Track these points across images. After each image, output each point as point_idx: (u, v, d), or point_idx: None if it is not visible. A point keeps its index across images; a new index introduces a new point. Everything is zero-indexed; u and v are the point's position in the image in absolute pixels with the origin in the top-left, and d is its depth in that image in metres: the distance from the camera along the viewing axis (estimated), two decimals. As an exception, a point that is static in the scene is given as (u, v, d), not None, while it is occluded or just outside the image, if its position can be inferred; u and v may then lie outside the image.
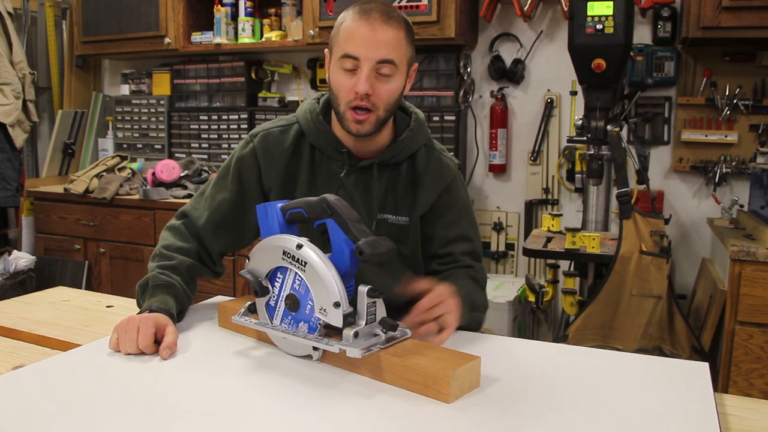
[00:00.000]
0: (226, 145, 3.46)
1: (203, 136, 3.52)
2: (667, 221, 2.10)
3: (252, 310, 1.17)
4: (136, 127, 3.70)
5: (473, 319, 1.34)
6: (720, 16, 2.28)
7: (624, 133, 2.36)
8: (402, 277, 1.43)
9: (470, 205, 1.50)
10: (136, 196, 3.15)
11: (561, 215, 2.61)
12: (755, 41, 2.43)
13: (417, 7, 2.76)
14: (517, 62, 2.95)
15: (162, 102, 3.60)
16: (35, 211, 3.46)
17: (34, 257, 3.31)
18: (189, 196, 3.10)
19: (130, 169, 3.36)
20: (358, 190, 1.38)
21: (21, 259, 3.23)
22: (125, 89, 3.76)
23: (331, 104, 1.33)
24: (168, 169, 3.18)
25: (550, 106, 2.93)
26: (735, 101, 2.61)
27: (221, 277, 1.47)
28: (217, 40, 3.27)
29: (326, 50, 1.34)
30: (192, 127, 3.54)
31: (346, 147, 1.36)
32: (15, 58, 3.35)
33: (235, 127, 3.42)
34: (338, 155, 1.37)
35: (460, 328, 1.29)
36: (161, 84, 3.64)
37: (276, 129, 1.41)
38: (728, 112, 2.63)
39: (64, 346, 1.23)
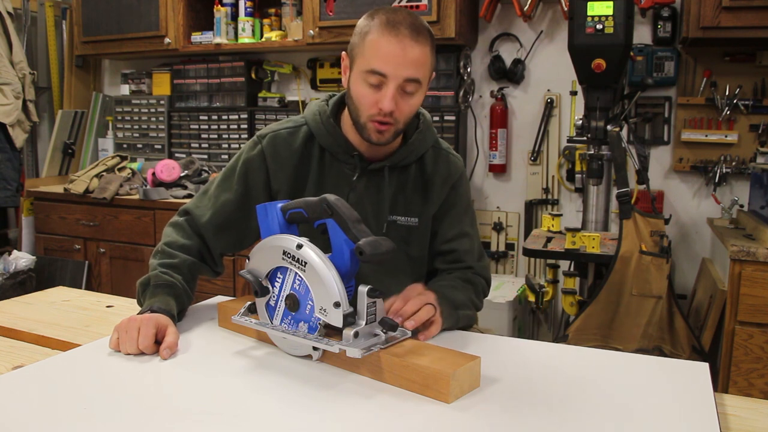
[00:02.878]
0: (226, 145, 3.46)
1: (203, 136, 3.52)
2: (667, 221, 2.10)
3: (252, 310, 1.17)
4: (136, 127, 3.70)
5: (460, 318, 1.32)
6: (720, 16, 2.28)
7: (624, 133, 2.36)
8: (406, 278, 1.43)
9: (471, 203, 1.51)
10: (136, 196, 3.15)
11: (561, 215, 2.61)
12: (755, 41, 2.43)
13: (417, 7, 2.76)
14: (517, 62, 2.95)
15: (162, 102, 3.60)
16: (35, 211, 3.46)
17: (34, 257, 3.31)
18: (189, 196, 3.10)
19: (130, 169, 3.36)
20: (369, 192, 1.38)
21: (21, 259, 3.23)
22: (125, 89, 3.76)
23: (350, 112, 1.32)
24: (168, 169, 3.18)
25: (550, 106, 2.93)
26: (735, 101, 2.61)
27: (221, 276, 1.47)
28: (217, 40, 3.27)
29: (344, 54, 1.32)
30: (192, 127, 3.54)
31: (357, 150, 1.36)
32: (15, 58, 3.36)
33: (235, 127, 3.42)
34: (349, 158, 1.37)
35: (452, 328, 1.29)
36: (161, 84, 3.64)
37: (284, 131, 1.40)
38: (728, 112, 2.63)
39: (64, 346, 1.23)
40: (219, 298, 1.45)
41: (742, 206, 2.58)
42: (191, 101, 3.57)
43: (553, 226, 2.53)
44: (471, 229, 1.47)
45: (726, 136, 2.66)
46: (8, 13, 3.35)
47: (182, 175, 3.22)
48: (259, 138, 1.40)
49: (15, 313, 1.41)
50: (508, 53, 2.99)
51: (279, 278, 1.12)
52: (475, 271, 1.45)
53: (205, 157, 3.50)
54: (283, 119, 1.46)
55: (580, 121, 2.31)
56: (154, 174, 3.17)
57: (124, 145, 3.75)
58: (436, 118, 2.94)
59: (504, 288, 2.82)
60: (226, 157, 3.44)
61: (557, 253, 2.21)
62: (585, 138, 2.30)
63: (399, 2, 2.79)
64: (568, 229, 2.18)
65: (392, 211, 1.40)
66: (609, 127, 2.23)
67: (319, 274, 1.03)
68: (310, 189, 1.38)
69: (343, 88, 1.36)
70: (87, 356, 1.13)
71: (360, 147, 1.36)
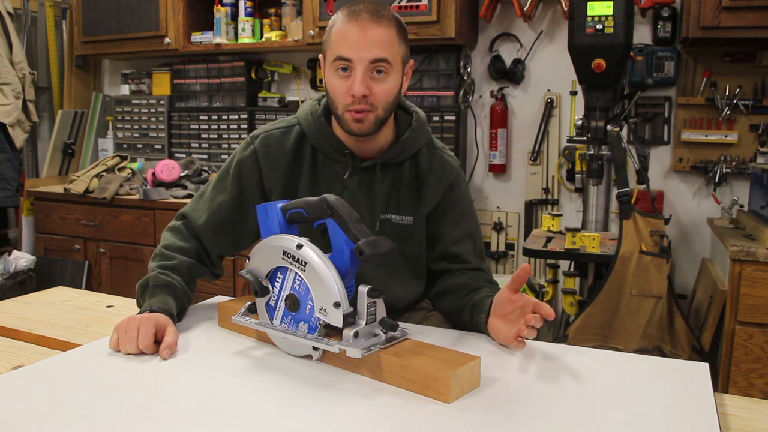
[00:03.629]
0: (226, 145, 3.46)
1: (203, 136, 3.52)
2: (667, 221, 2.10)
3: (252, 310, 1.17)
4: (136, 127, 3.70)
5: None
6: (720, 16, 2.28)
7: (624, 133, 2.36)
8: (405, 277, 1.43)
9: (472, 203, 1.51)
10: (136, 196, 3.15)
11: (561, 215, 2.61)
12: (755, 41, 2.43)
13: (417, 7, 2.76)
14: (517, 62, 2.95)
15: (162, 102, 3.60)
16: (35, 211, 3.46)
17: (34, 257, 3.31)
18: (189, 196, 3.10)
19: (130, 169, 3.36)
20: (362, 190, 1.38)
21: (21, 259, 3.23)
22: (125, 89, 3.76)
23: (331, 108, 1.33)
24: (168, 169, 3.18)
25: (550, 106, 2.93)
26: (735, 101, 2.61)
27: (221, 278, 1.47)
28: (217, 40, 3.27)
29: (320, 55, 1.34)
30: (192, 127, 3.54)
31: (349, 148, 1.36)
32: (15, 58, 3.36)
33: (235, 127, 3.42)
34: (341, 156, 1.37)
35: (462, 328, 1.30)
36: (161, 84, 3.64)
37: (277, 131, 1.41)
38: (728, 112, 2.63)
39: (64, 346, 1.23)
40: (219, 298, 1.45)
41: (742, 206, 2.58)
42: (191, 101, 3.57)
43: (553, 226, 2.53)
44: (475, 228, 1.47)
45: (726, 136, 2.66)
46: (8, 13, 3.35)
47: (182, 175, 3.22)
48: (252, 138, 1.41)
49: (15, 313, 1.41)
50: (508, 53, 2.99)
51: (279, 278, 1.12)
52: (486, 273, 1.45)
53: (205, 157, 3.50)
54: (281, 119, 1.46)
55: (580, 121, 2.31)
56: (154, 174, 3.17)
57: (124, 145, 3.75)
58: (436, 118, 2.94)
59: (504, 288, 2.81)
60: (226, 157, 3.41)
61: (557, 253, 2.21)
62: (585, 138, 2.30)
63: (399, 3, 2.79)
64: (568, 229, 2.18)
65: (386, 210, 1.39)
66: (609, 127, 2.23)
67: (319, 274, 1.03)
68: (303, 188, 1.38)
69: None
70: (87, 356, 1.13)
71: (351, 145, 1.36)
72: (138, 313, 1.19)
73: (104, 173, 3.32)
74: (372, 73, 1.25)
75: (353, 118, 1.27)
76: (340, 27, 1.26)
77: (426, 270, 1.47)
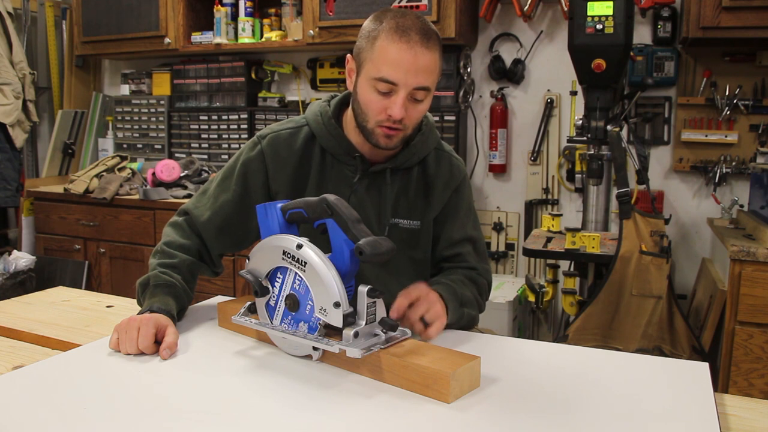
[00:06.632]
0: (226, 145, 3.46)
1: (203, 136, 3.52)
2: (667, 221, 2.10)
3: (252, 310, 1.17)
4: (136, 127, 3.70)
5: (464, 315, 1.33)
6: (720, 16, 2.28)
7: (624, 133, 2.36)
8: (410, 281, 1.42)
9: (473, 206, 1.50)
10: (136, 196, 3.15)
11: (561, 215, 2.61)
12: (755, 41, 2.43)
13: (417, 7, 2.76)
14: (517, 62, 2.95)
15: (162, 102, 3.60)
16: (35, 211, 3.46)
17: (34, 257, 3.31)
18: (189, 196, 3.10)
19: (130, 169, 3.36)
20: (370, 195, 1.37)
21: (21, 259, 3.23)
22: (125, 89, 3.77)
23: (356, 116, 1.30)
24: (168, 169, 3.18)
25: (550, 106, 2.93)
26: (735, 101, 2.61)
27: (221, 276, 1.46)
28: (217, 40, 3.27)
29: (349, 56, 1.30)
30: (192, 127, 3.54)
31: (359, 151, 1.35)
32: (15, 58, 3.36)
33: (235, 127, 3.42)
34: (351, 160, 1.36)
35: (453, 326, 1.29)
36: (161, 84, 3.64)
37: (285, 131, 1.39)
38: (728, 112, 2.63)
39: (64, 346, 1.23)
40: (219, 298, 1.45)
41: (742, 206, 2.58)
42: (191, 101, 3.57)
43: (553, 226, 2.52)
44: (475, 232, 1.47)
45: (726, 136, 2.66)
46: (8, 13, 3.35)
47: (182, 175, 3.22)
48: (259, 138, 1.39)
49: (15, 313, 1.41)
50: (508, 53, 2.99)
51: (279, 278, 1.12)
52: (479, 272, 1.45)
53: (205, 157, 3.50)
54: (283, 119, 1.45)
55: (580, 121, 2.31)
56: (154, 174, 3.17)
57: (124, 145, 3.75)
58: (436, 118, 2.93)
59: (504, 288, 2.82)
60: (226, 157, 3.44)
61: (557, 253, 2.21)
62: (585, 138, 2.30)
63: (399, 2, 2.79)
64: (568, 229, 2.18)
65: (394, 214, 1.39)
66: (609, 127, 2.23)
67: (319, 274, 1.03)
68: (310, 190, 1.37)
69: (343, 88, 1.36)
70: (87, 356, 1.13)
71: (362, 149, 1.35)
72: (138, 313, 1.19)
73: (104, 173, 3.32)
74: (411, 97, 1.23)
75: (384, 134, 1.26)
76: (386, 44, 1.20)
77: None
